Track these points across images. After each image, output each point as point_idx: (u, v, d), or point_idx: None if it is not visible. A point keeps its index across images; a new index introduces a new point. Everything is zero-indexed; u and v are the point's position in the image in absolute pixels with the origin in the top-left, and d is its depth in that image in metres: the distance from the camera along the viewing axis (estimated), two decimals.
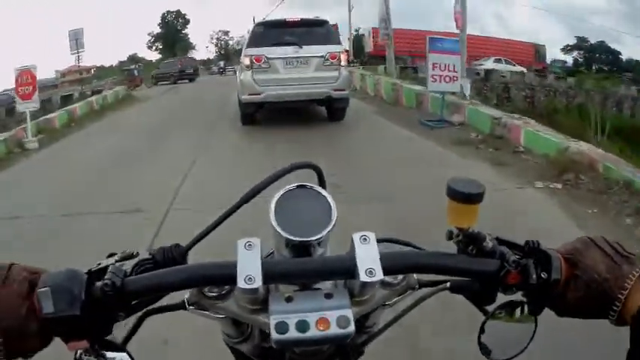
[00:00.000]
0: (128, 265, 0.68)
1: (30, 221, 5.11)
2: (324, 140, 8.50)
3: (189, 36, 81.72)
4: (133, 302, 0.66)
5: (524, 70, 32.55)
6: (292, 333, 0.61)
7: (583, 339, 2.33)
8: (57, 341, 0.61)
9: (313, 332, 0.61)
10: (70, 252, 3.89)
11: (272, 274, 0.62)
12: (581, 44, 61.36)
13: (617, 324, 0.65)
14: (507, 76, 25.94)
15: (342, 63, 9.76)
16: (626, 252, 0.67)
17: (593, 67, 53.58)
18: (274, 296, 0.64)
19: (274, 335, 0.61)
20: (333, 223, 0.65)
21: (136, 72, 36.67)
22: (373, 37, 33.01)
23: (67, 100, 20.18)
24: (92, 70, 61.76)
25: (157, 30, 79.31)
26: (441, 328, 2.81)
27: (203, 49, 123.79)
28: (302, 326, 0.61)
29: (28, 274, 0.61)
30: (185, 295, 0.69)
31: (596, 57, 59.54)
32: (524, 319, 0.70)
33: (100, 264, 0.66)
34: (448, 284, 0.72)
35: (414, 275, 0.72)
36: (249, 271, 0.60)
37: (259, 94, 9.49)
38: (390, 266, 0.64)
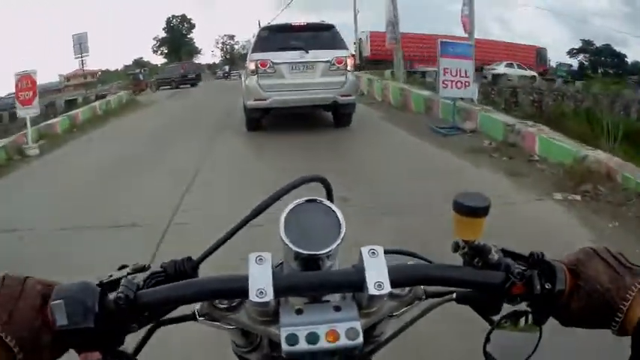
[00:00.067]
0: (140, 278, 0.68)
1: (26, 235, 4.87)
2: (331, 149, 8.25)
3: (194, 40, 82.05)
4: (145, 314, 0.66)
5: (536, 74, 32.32)
6: (302, 345, 0.62)
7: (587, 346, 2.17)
8: (70, 352, 0.62)
9: (323, 344, 0.62)
10: (67, 271, 3.63)
11: (283, 288, 0.63)
12: (586, 47, 61.18)
13: (619, 334, 0.66)
14: (515, 80, 25.65)
15: (349, 68, 9.63)
16: (629, 263, 0.67)
17: (599, 71, 53.44)
18: (285, 308, 0.66)
19: (285, 347, 0.62)
20: (341, 237, 0.66)
21: (141, 76, 36.69)
22: (371, 42, 32.90)
23: (71, 104, 20.02)
24: (97, 74, 62.00)
25: (162, 34, 79.58)
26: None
27: (209, 54, 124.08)
28: (312, 338, 0.62)
29: (42, 288, 0.62)
30: (196, 306, 0.71)
31: (601, 60, 59.25)
32: (529, 329, 0.71)
33: (111, 276, 0.68)
34: (454, 295, 0.74)
35: (421, 286, 0.74)
36: (261, 284, 0.61)
37: (265, 100, 9.34)
38: (398, 279, 0.65)
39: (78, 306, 0.60)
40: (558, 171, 6.34)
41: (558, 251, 0.72)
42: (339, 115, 10.06)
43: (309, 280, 0.65)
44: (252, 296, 0.61)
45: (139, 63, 69.24)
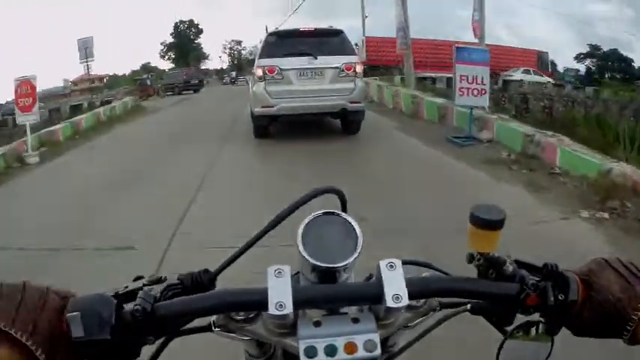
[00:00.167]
0: (156, 290, 0.68)
1: (14, 254, 4.52)
2: (343, 160, 7.87)
3: (202, 46, 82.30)
4: (163, 326, 0.65)
5: (551, 80, 32.02)
6: (321, 357, 0.63)
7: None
8: None
9: (341, 356, 0.63)
10: None
11: (302, 301, 0.63)
12: (593, 52, 60.89)
13: (630, 343, 0.67)
14: (525, 85, 25.34)
15: (358, 74, 9.42)
16: None
17: (606, 75, 53.58)
18: (303, 321, 0.66)
19: (303, 359, 0.63)
20: (359, 250, 0.67)
21: (148, 81, 36.76)
22: (367, 47, 32.76)
23: (76, 109, 19.93)
24: (105, 79, 62.15)
25: (170, 39, 79.78)
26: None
27: (216, 59, 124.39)
28: (330, 350, 0.63)
29: (59, 299, 0.62)
30: (212, 317, 0.71)
31: (608, 65, 59.09)
32: (541, 339, 0.72)
33: (126, 287, 0.69)
34: (468, 306, 0.75)
35: (436, 298, 0.74)
36: (280, 297, 0.61)
37: (272, 107, 9.15)
38: (415, 291, 0.65)
39: (94, 318, 0.60)
40: (582, 185, 6.00)
41: None
42: (347, 122, 9.85)
43: (329, 293, 0.66)
44: (272, 309, 0.61)
45: (146, 68, 69.49)
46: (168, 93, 34.99)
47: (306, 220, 0.69)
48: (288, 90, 9.09)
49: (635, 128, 9.08)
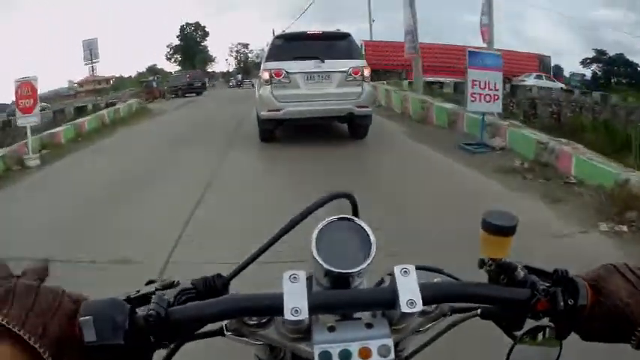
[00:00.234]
0: (169, 294, 0.68)
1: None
2: (351, 167, 7.61)
3: (208, 48, 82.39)
4: (176, 331, 0.65)
5: (564, 86, 31.81)
6: None
7: None
8: None
9: None
10: None
11: (318, 306, 0.63)
12: (599, 57, 60.42)
13: (638, 348, 0.66)
14: (534, 91, 25.11)
15: (366, 78, 9.31)
16: None
17: (612, 80, 53.70)
18: (317, 326, 0.66)
19: None
20: (372, 255, 0.66)
21: (154, 84, 36.78)
22: (366, 51, 32.76)
23: (80, 111, 19.74)
24: (111, 81, 62.24)
25: (176, 42, 79.84)
26: None
27: (223, 62, 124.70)
28: (345, 355, 0.63)
29: (71, 303, 0.62)
30: (223, 322, 0.71)
31: (614, 70, 58.75)
32: (550, 343, 0.72)
33: (139, 291, 0.68)
34: (479, 311, 0.75)
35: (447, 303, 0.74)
36: (296, 303, 0.62)
37: (278, 111, 9.06)
38: (428, 296, 0.65)
39: (107, 322, 0.60)
40: (598, 195, 5.76)
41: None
42: (355, 126, 9.75)
43: (344, 299, 0.66)
44: (287, 314, 0.61)
45: (152, 70, 69.59)
46: (172, 95, 35.03)
47: (320, 226, 0.69)
48: (295, 94, 8.98)
49: None
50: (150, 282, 0.71)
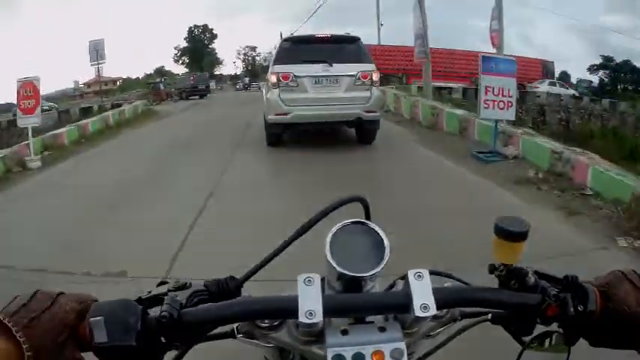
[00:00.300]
0: (182, 296, 0.68)
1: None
2: (359, 175, 7.31)
3: (216, 51, 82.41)
4: (188, 332, 0.65)
5: (576, 93, 31.63)
6: None
7: None
8: None
9: None
10: None
11: (332, 309, 0.64)
12: (606, 63, 60.33)
13: None
14: (542, 97, 24.93)
15: (374, 83, 9.17)
16: None
17: (619, 87, 53.85)
18: (330, 329, 0.66)
19: None
20: (386, 259, 0.67)
21: (161, 86, 36.81)
22: None
23: (86, 112, 19.66)
24: (118, 82, 62.42)
25: (184, 44, 79.98)
26: None
27: (230, 65, 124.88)
28: (358, 358, 0.63)
29: (77, 304, 0.62)
30: (234, 324, 0.71)
31: (621, 76, 58.78)
32: (558, 349, 0.73)
33: (150, 292, 0.69)
34: (489, 316, 0.76)
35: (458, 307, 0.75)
36: (310, 306, 0.62)
37: (286, 115, 8.92)
38: (441, 301, 0.65)
39: (118, 323, 0.60)
40: (616, 209, 5.54)
41: None
42: (363, 131, 9.63)
43: (359, 302, 0.66)
44: (302, 317, 0.61)
45: (160, 72, 69.74)
46: (177, 98, 35.08)
47: (335, 229, 0.69)
48: (303, 98, 8.87)
49: None
50: (161, 283, 0.71)
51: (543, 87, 31.87)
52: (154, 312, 0.63)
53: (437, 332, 0.75)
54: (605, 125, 21.11)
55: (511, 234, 0.66)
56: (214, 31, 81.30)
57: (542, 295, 0.68)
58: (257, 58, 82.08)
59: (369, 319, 0.68)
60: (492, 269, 0.71)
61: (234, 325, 0.72)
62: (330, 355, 0.63)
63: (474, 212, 5.31)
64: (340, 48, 9.37)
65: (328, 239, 0.67)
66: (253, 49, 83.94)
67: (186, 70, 71.16)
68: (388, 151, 9.22)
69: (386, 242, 0.68)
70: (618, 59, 59.41)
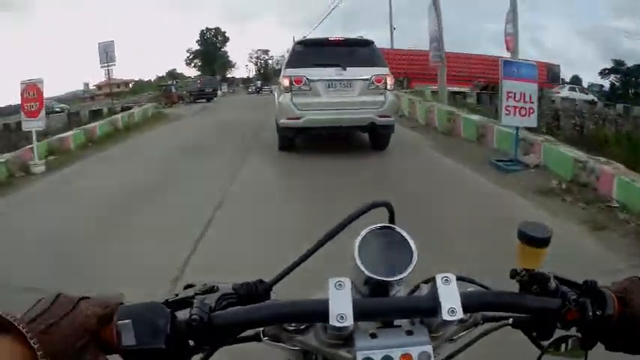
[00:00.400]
0: (210, 299, 0.67)
1: None
2: (374, 183, 7.02)
3: (228, 54, 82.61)
4: (217, 335, 0.65)
5: (595, 98, 31.26)
6: None
7: None
8: None
9: None
10: None
11: (362, 313, 0.64)
12: (617, 67, 59.51)
13: None
14: (557, 101, 24.57)
15: (389, 87, 8.99)
16: None
17: (630, 91, 52.91)
18: (359, 332, 0.66)
19: None
20: (414, 264, 0.66)
21: (173, 88, 36.79)
22: None
23: (96, 114, 19.55)
24: (130, 84, 62.61)
25: (196, 47, 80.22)
26: None
27: (243, 68, 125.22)
28: None
29: (100, 309, 0.61)
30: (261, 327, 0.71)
31: (632, 81, 57.74)
32: (576, 354, 0.72)
33: (177, 295, 0.68)
34: (511, 320, 0.76)
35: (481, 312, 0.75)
36: (341, 309, 0.62)
37: (299, 119, 8.75)
38: (468, 305, 0.65)
39: (147, 326, 0.59)
40: None
41: None
42: (376, 136, 9.48)
43: (388, 306, 0.66)
44: (333, 321, 0.62)
45: (172, 74, 69.93)
46: (187, 101, 35.15)
47: (363, 233, 0.68)
48: (316, 102, 8.71)
49: None
50: (188, 286, 0.71)
51: (564, 92, 31.55)
52: (182, 315, 0.62)
53: (459, 336, 0.75)
54: (620, 130, 20.77)
55: (534, 239, 0.68)
56: (226, 34, 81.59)
57: (563, 300, 0.68)
58: (269, 61, 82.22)
59: (396, 323, 0.68)
60: (514, 274, 0.72)
61: (261, 329, 0.71)
62: (359, 357, 0.63)
63: (494, 224, 5.03)
64: (354, 51, 9.26)
65: (357, 244, 0.67)
66: (266, 52, 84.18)
67: (199, 72, 71.44)
68: (403, 158, 8.94)
69: (413, 247, 0.68)
70: (630, 64, 58.94)
